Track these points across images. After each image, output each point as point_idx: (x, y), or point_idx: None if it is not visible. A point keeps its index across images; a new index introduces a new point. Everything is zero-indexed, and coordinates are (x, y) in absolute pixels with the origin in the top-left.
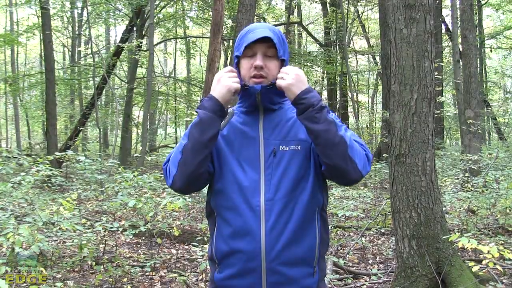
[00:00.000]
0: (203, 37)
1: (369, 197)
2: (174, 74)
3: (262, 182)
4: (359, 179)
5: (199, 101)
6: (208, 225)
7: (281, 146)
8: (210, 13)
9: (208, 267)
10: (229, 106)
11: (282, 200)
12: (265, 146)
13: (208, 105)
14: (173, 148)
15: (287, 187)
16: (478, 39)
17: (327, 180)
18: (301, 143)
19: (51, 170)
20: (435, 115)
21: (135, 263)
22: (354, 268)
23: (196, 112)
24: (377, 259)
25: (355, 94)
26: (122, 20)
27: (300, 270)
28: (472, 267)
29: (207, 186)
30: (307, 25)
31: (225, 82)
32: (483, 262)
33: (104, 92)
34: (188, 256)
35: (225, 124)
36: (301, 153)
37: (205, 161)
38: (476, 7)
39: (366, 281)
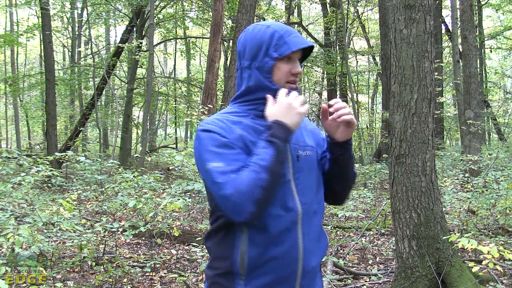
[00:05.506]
0: (203, 38)
1: (369, 197)
2: (174, 74)
3: (294, 186)
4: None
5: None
6: (214, 239)
7: (299, 151)
8: (210, 13)
9: None
10: None
11: (311, 204)
12: (291, 151)
13: (282, 134)
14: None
15: (312, 191)
16: (478, 40)
17: None
18: (312, 149)
19: (51, 170)
20: (435, 116)
21: (135, 264)
22: (354, 268)
23: (270, 141)
24: (377, 259)
25: (355, 94)
26: (122, 20)
27: (318, 272)
28: (472, 267)
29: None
30: (307, 25)
31: (299, 109)
32: (483, 262)
33: (104, 92)
34: (188, 257)
35: None
36: (315, 159)
37: None
38: (476, 8)
39: (366, 281)
